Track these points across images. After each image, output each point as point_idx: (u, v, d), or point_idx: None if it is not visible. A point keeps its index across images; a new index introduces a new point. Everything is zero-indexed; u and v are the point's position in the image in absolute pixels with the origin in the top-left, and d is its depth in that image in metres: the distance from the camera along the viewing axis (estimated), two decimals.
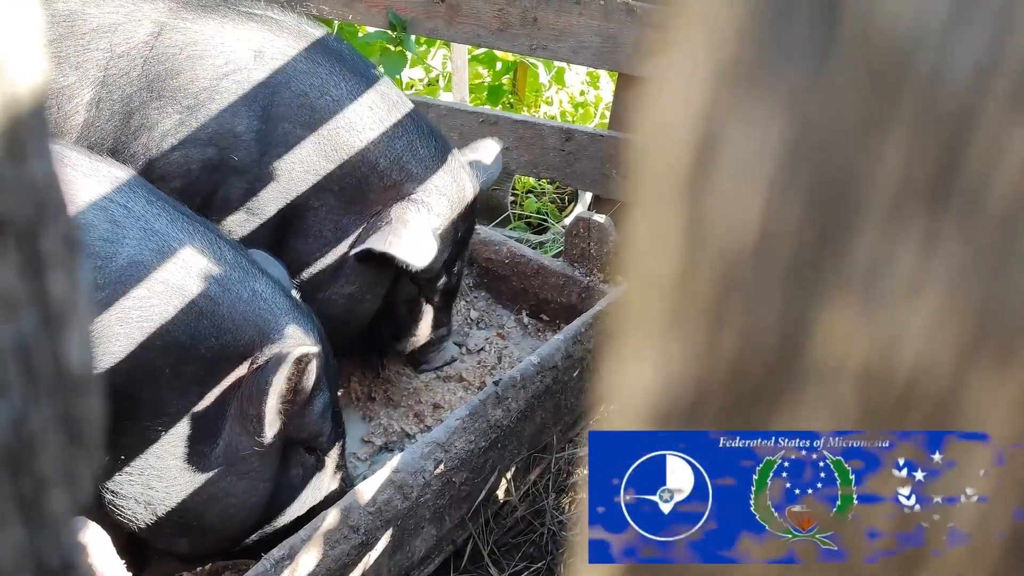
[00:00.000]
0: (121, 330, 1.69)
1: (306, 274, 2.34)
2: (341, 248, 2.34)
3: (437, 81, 4.58)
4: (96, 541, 1.52)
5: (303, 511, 1.99)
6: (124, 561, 1.58)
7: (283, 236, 2.32)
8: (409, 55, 3.47)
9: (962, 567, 0.46)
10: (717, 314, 0.35)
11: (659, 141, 0.33)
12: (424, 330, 2.54)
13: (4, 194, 0.38)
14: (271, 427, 1.79)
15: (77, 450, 0.47)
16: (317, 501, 2.02)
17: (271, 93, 2.26)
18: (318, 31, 2.40)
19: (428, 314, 2.53)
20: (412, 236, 2.26)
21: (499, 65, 4.29)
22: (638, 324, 0.37)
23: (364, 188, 2.33)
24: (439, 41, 4.34)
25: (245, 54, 2.27)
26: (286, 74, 2.27)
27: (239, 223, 2.28)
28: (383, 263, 2.31)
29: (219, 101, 2.24)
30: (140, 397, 1.73)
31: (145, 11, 2.31)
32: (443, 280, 2.49)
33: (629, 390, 0.39)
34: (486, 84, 4.32)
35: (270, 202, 2.28)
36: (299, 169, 2.27)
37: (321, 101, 2.28)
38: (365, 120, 2.32)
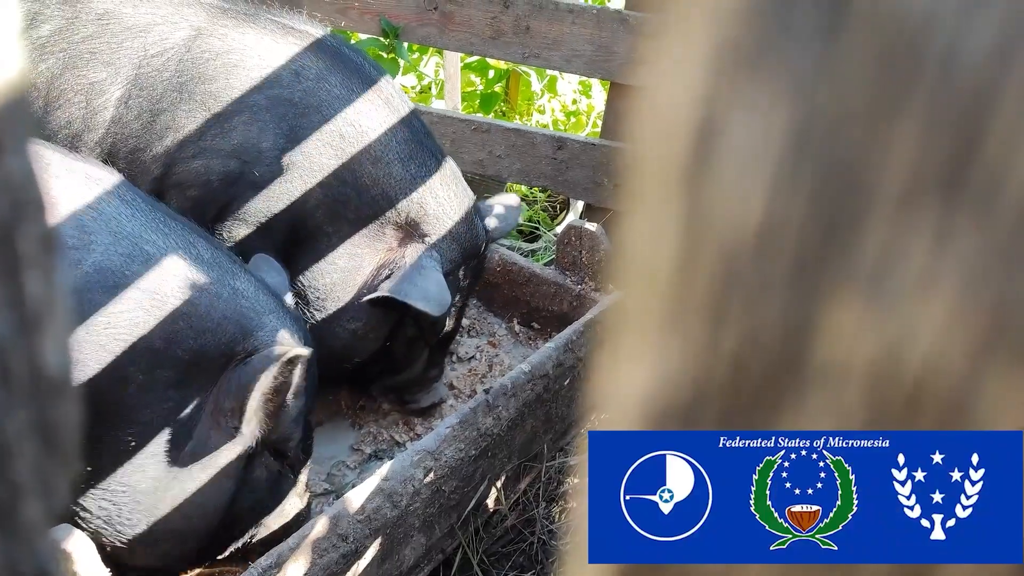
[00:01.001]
0: (88, 337, 1.66)
1: (313, 299, 2.34)
2: (350, 278, 2.33)
3: (429, 88, 4.58)
4: (82, 550, 1.51)
5: (265, 516, 1.97)
6: (109, 570, 1.56)
7: (295, 256, 2.31)
8: (401, 62, 3.47)
9: (973, 569, 0.45)
10: (717, 311, 0.34)
11: (656, 129, 0.31)
12: (417, 370, 2.53)
13: None
14: (248, 424, 1.77)
15: (53, 457, 0.45)
16: (279, 510, 2.00)
17: (301, 114, 2.24)
18: (357, 56, 2.40)
19: (424, 355, 2.52)
20: (428, 284, 2.26)
21: (491, 73, 4.29)
22: (634, 322, 0.35)
23: (381, 222, 2.32)
24: (432, 48, 4.33)
25: (280, 69, 2.26)
26: (319, 97, 2.26)
27: (249, 237, 2.26)
28: (393, 306, 2.30)
29: (249, 113, 2.22)
30: (108, 401, 1.70)
31: (184, 14, 2.30)
32: (445, 325, 2.48)
33: (624, 392, 0.37)
34: (478, 92, 4.33)
35: (284, 221, 2.27)
36: (318, 193, 2.26)
37: (350, 130, 2.27)
38: (391, 155, 2.31)
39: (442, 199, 2.37)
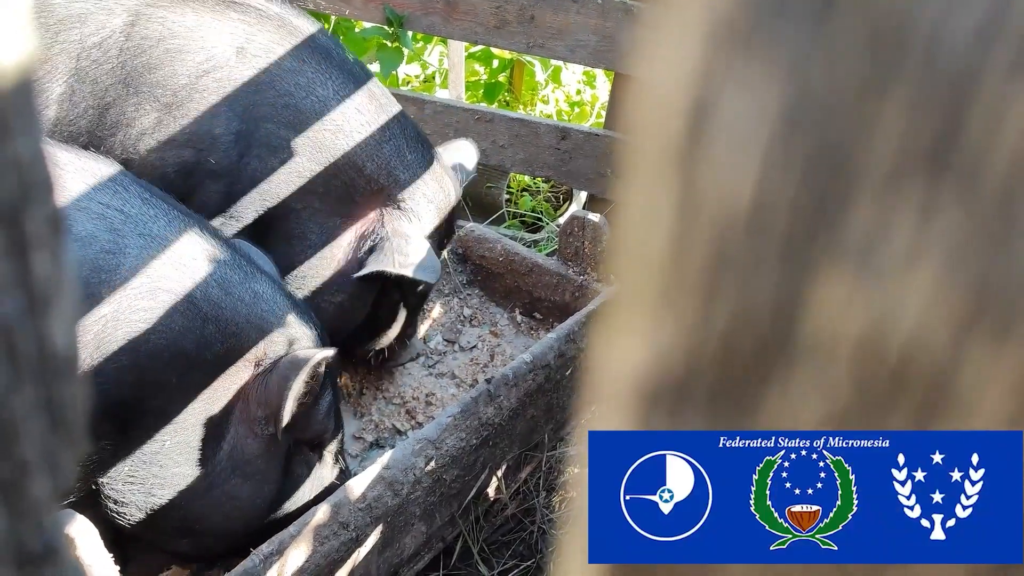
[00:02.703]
0: (127, 343, 1.69)
1: (292, 279, 2.31)
2: (329, 253, 2.31)
3: (433, 78, 4.58)
4: (84, 534, 1.51)
5: (305, 507, 1.99)
6: (112, 555, 1.57)
7: (264, 238, 2.27)
8: (406, 51, 3.47)
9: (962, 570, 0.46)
10: (709, 288, 0.35)
11: (650, 108, 0.32)
12: (396, 330, 2.53)
13: None
14: (283, 429, 1.80)
15: (60, 435, 0.46)
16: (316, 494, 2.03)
17: (253, 92, 2.19)
18: (304, 24, 2.33)
19: (403, 316, 2.52)
20: (418, 252, 2.25)
21: (496, 63, 4.29)
22: (627, 299, 0.36)
23: (350, 192, 2.29)
24: (436, 38, 4.33)
25: (226, 50, 2.20)
26: (269, 72, 2.21)
27: (217, 226, 2.24)
28: (386, 277, 2.29)
29: (198, 100, 2.17)
30: (146, 407, 1.73)
31: None
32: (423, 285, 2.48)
33: (617, 366, 0.38)
34: (482, 81, 4.32)
35: (249, 205, 2.24)
36: (282, 172, 2.22)
37: (306, 102, 2.22)
38: (352, 122, 2.27)
39: (411, 162, 2.33)
